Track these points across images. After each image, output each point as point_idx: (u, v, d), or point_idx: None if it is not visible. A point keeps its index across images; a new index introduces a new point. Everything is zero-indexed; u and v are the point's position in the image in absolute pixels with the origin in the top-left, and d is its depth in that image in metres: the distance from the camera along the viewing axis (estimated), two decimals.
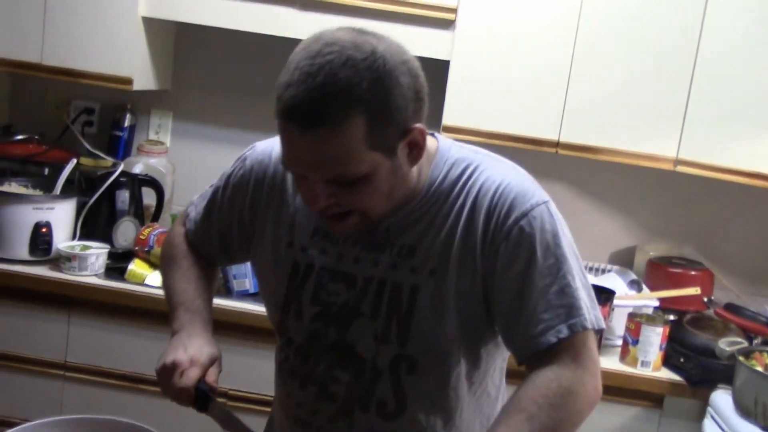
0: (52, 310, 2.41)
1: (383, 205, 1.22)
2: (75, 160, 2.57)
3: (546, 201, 1.26)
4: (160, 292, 2.34)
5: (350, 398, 1.31)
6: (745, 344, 2.27)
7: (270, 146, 1.39)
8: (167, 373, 1.27)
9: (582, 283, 1.25)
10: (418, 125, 1.18)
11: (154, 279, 2.44)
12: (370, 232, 1.28)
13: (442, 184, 1.28)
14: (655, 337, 2.30)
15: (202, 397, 1.27)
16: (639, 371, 2.31)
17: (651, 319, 2.35)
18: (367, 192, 1.18)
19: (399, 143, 1.17)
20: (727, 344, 2.26)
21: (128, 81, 2.59)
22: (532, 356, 1.23)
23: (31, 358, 2.44)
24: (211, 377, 1.29)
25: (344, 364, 1.31)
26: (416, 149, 1.21)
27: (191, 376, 1.26)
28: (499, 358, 1.38)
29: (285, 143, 1.16)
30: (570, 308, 1.22)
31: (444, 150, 1.31)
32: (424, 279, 1.26)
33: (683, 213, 2.86)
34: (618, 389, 2.29)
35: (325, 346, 1.32)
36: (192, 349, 1.29)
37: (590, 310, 1.24)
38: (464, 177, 1.27)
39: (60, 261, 2.42)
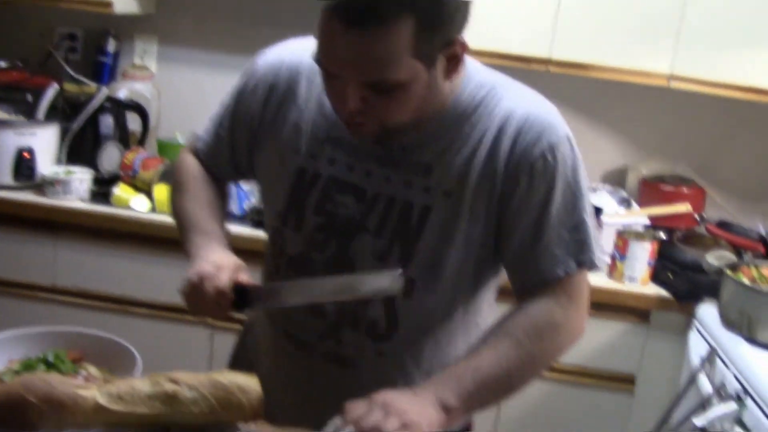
0: (39, 235, 2.41)
1: (408, 117, 1.18)
2: (57, 86, 2.55)
3: (570, 136, 1.25)
4: (146, 215, 2.38)
5: (340, 317, 1.29)
6: (734, 258, 2.25)
7: (281, 52, 1.36)
8: (195, 286, 1.19)
9: (592, 221, 1.26)
10: (460, 39, 1.15)
11: (138, 203, 2.43)
12: (385, 147, 1.24)
13: (467, 105, 1.24)
14: (642, 253, 2.28)
15: (240, 295, 1.19)
16: (626, 287, 2.29)
17: (639, 236, 2.32)
18: (400, 101, 1.14)
19: (439, 54, 1.14)
20: (715, 258, 2.25)
21: (107, 4, 2.53)
22: (534, 288, 1.25)
23: (21, 282, 2.45)
24: (242, 277, 1.21)
25: None
26: (454, 62, 1.17)
27: (223, 278, 1.18)
28: (493, 289, 1.37)
29: (325, 39, 1.11)
30: (582, 245, 1.24)
31: (472, 72, 1.27)
32: (438, 200, 1.23)
33: (677, 131, 2.81)
34: (605, 305, 2.28)
35: (320, 262, 1.28)
36: (214, 257, 1.23)
37: (596, 250, 1.26)
38: (491, 101, 1.24)
39: (44, 186, 2.42)
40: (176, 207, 1.41)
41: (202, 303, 1.20)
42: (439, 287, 1.26)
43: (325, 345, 1.31)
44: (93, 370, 1.25)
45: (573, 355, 2.33)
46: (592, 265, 1.25)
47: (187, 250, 1.31)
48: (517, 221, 1.23)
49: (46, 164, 2.47)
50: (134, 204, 2.43)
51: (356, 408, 1.13)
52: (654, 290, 2.30)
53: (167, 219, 2.30)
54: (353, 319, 1.28)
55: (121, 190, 2.46)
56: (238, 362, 1.49)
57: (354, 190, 1.26)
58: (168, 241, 2.30)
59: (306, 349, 1.33)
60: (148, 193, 2.44)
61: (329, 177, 1.27)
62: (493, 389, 1.21)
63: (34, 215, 2.40)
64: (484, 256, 1.27)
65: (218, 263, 1.21)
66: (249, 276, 1.24)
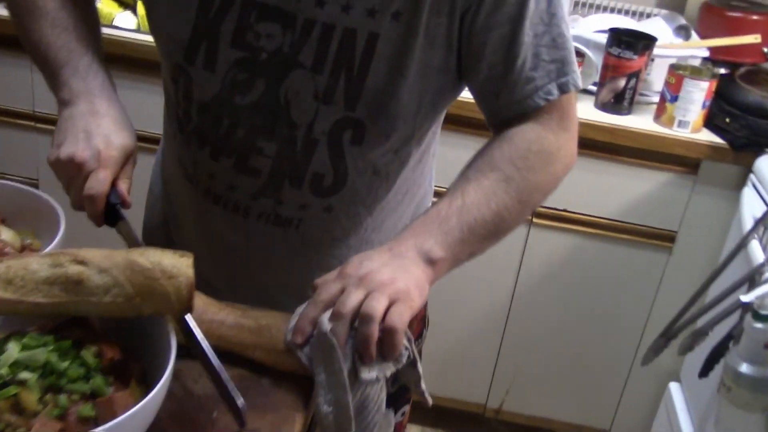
0: (14, 57, 2.15)
1: None
2: None
3: None
4: (132, 34, 2.09)
5: (278, 172, 1.07)
6: None
7: None
8: (67, 170, 0.98)
9: (569, 32, 1.05)
10: None
11: (123, 19, 2.15)
12: None
13: None
14: (698, 93, 1.96)
15: (111, 211, 0.98)
16: (675, 132, 1.99)
17: (696, 72, 1.99)
18: None
19: None
20: None
21: None
22: (513, 117, 1.04)
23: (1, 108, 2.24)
24: (123, 184, 0.99)
25: (270, 130, 1.04)
26: None
27: (101, 181, 0.96)
28: (443, 114, 1.18)
29: None
30: (562, 63, 1.04)
31: None
32: (387, 24, 0.98)
33: None
34: (649, 152, 2.00)
35: (245, 107, 1.04)
36: (98, 138, 0.98)
37: (576, 66, 1.06)
38: None
39: None
40: (32, 36, 1.09)
41: (68, 190, 0.99)
42: (392, 127, 1.04)
43: (261, 205, 1.10)
44: (9, 235, 1.02)
45: (608, 208, 2.08)
46: (576, 87, 1.06)
47: (57, 94, 1.05)
48: (486, 40, 1.01)
49: None
50: (119, 21, 2.15)
51: (327, 288, 0.91)
52: (707, 137, 2.00)
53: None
54: (294, 174, 1.07)
55: (103, 4, 2.17)
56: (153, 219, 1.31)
57: (279, 16, 1.00)
58: (157, 65, 2.03)
59: (237, 211, 1.11)
60: (134, 8, 2.16)
61: (246, 0, 1.00)
62: (483, 234, 0.99)
63: (7, 33, 2.13)
64: (444, 85, 1.06)
65: (102, 154, 0.97)
66: (132, 170, 1.02)
